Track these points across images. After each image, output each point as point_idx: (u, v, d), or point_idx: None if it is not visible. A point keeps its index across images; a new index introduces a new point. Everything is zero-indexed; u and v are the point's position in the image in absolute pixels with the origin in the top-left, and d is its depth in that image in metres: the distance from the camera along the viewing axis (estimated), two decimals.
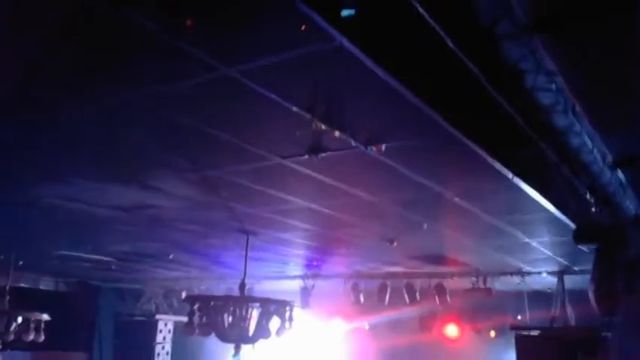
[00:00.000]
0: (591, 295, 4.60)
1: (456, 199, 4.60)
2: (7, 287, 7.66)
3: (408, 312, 9.36)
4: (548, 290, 8.52)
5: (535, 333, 7.68)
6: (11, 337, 7.20)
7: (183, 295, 8.66)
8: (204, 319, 5.94)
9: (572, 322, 7.76)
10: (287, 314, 6.13)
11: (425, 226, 5.49)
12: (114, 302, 10.98)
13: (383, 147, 3.35)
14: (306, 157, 3.52)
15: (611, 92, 2.84)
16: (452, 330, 9.85)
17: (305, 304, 9.06)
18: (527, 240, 6.15)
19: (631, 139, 3.49)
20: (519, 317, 9.15)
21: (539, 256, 7.03)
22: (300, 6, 2.03)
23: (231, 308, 5.81)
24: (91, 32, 2.33)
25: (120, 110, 3.08)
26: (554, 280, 8.23)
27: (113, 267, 8.55)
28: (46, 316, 7.46)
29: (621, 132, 3.38)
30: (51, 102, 3.00)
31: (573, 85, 2.66)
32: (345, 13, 2.09)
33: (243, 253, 6.54)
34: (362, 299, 9.21)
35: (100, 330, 10.62)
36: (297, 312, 6.70)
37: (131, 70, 2.64)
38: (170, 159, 4.00)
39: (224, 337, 5.89)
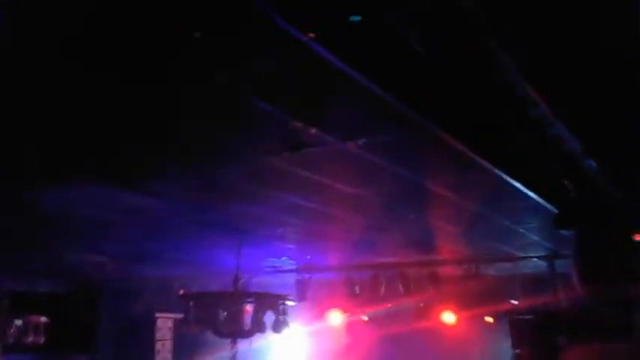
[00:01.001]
0: (575, 279, 4.67)
1: (440, 191, 4.69)
2: (5, 291, 7.77)
3: (405, 301, 9.45)
4: (541, 275, 8.62)
5: (528, 317, 7.80)
6: (10, 340, 7.31)
7: (181, 292, 8.73)
8: (199, 315, 6.06)
9: (564, 305, 7.86)
10: (281, 308, 6.24)
11: (411, 216, 5.59)
12: (113, 302, 11.04)
13: (361, 142, 3.44)
14: (287, 153, 3.61)
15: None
16: (448, 317, 9.94)
17: (301, 297, 9.14)
18: (514, 227, 6.25)
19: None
20: (515, 302, 9.24)
21: (528, 241, 7.13)
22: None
23: (225, 304, 5.93)
24: None
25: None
26: (545, 264, 8.32)
27: (109, 268, 8.64)
28: (44, 318, 7.57)
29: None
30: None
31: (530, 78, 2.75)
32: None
33: (237, 249, 6.65)
34: (357, 291, 9.31)
35: (101, 330, 10.71)
36: (293, 305, 6.79)
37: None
38: (158, 162, 4.09)
39: (219, 333, 6.02)
